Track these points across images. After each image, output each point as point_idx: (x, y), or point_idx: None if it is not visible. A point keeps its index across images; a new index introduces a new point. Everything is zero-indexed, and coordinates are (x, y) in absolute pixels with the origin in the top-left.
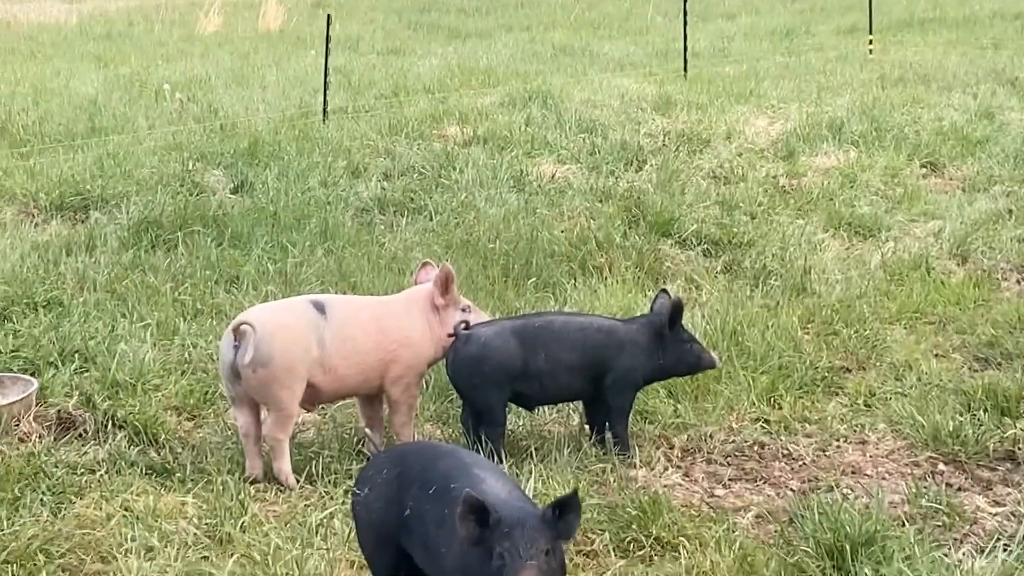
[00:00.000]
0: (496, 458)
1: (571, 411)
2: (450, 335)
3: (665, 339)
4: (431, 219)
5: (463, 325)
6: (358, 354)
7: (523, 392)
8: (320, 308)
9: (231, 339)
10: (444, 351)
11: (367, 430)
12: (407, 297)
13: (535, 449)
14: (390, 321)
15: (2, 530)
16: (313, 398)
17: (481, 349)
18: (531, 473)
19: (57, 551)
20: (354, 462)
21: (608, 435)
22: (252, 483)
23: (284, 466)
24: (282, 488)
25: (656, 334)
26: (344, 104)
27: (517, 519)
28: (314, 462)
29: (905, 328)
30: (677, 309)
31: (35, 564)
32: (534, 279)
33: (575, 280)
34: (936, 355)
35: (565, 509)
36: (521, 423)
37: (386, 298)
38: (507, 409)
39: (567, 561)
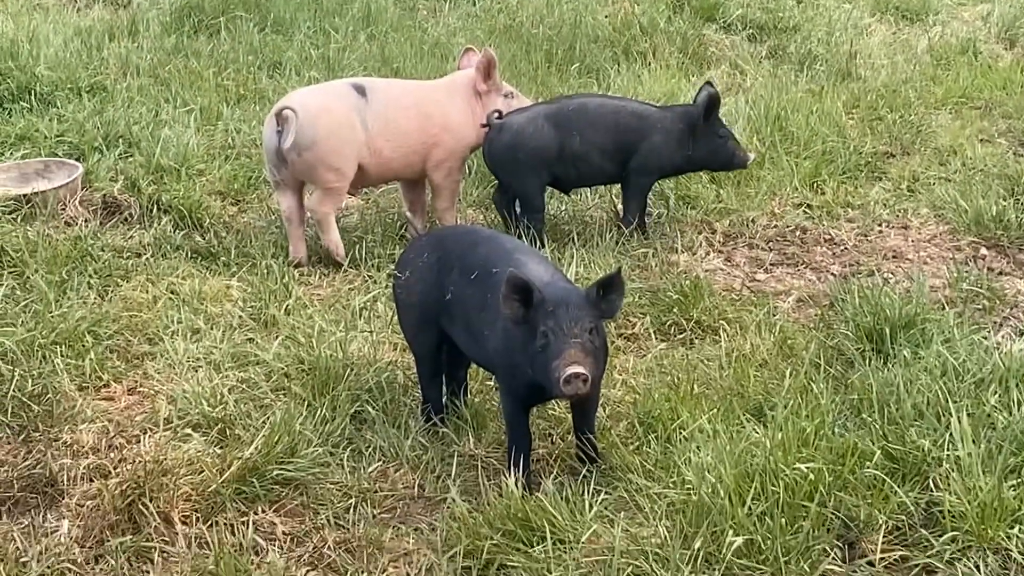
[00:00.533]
0: (538, 243)
1: (613, 196)
2: (483, 125)
3: (698, 131)
4: (474, 4)
5: (496, 114)
6: (400, 136)
7: (559, 175)
8: (361, 91)
9: (274, 124)
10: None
11: (408, 214)
12: (449, 82)
13: (577, 234)
14: (432, 106)
15: (51, 312)
16: (358, 181)
17: (515, 137)
18: (573, 257)
19: (105, 332)
20: (397, 247)
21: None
22: (296, 267)
23: (333, 236)
24: (326, 271)
25: (690, 125)
26: None
27: (561, 298)
28: (357, 246)
29: (950, 113)
30: (713, 101)
31: (83, 345)
32: (577, 64)
33: (619, 65)
34: (981, 140)
35: (608, 288)
36: (564, 208)
37: (429, 83)
38: (546, 193)
39: (608, 344)
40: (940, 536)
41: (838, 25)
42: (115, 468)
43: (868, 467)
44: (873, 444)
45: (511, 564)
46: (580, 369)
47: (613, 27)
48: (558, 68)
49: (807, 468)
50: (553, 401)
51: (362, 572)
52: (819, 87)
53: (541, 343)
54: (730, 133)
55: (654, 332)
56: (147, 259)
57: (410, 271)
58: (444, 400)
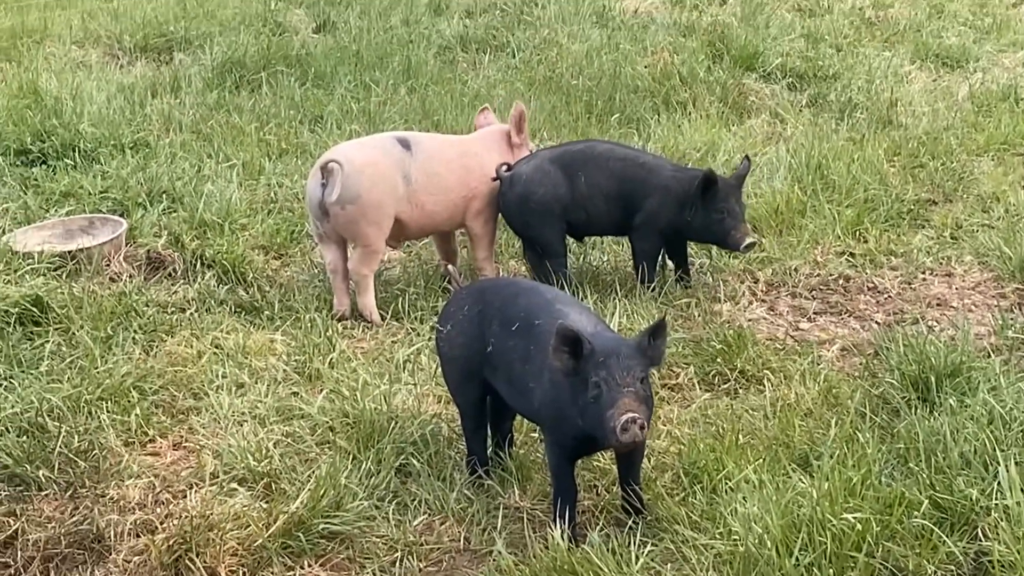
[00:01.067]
0: (567, 290)
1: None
2: (493, 178)
3: (704, 200)
4: (513, 56)
5: (504, 167)
6: (443, 189)
7: (572, 220)
8: (405, 144)
9: (319, 177)
10: None
11: (449, 267)
12: (484, 135)
13: (619, 284)
14: (471, 159)
15: (97, 368)
16: (399, 234)
17: (525, 186)
18: (615, 308)
19: (150, 387)
20: (439, 299)
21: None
22: (339, 320)
23: (369, 301)
24: (369, 324)
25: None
26: None
27: (611, 348)
28: (400, 299)
29: (992, 160)
30: (707, 182)
31: (129, 400)
32: (617, 115)
33: (659, 116)
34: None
35: (656, 336)
36: (606, 259)
37: (465, 136)
38: (566, 239)
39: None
40: None
41: (878, 73)
42: (162, 523)
43: (916, 517)
44: (920, 493)
45: None
46: (636, 415)
47: (653, 77)
48: (598, 119)
49: (854, 518)
50: (599, 452)
51: None
52: (860, 135)
53: (593, 394)
54: (733, 211)
55: (698, 382)
56: (191, 314)
57: (452, 324)
58: (489, 452)
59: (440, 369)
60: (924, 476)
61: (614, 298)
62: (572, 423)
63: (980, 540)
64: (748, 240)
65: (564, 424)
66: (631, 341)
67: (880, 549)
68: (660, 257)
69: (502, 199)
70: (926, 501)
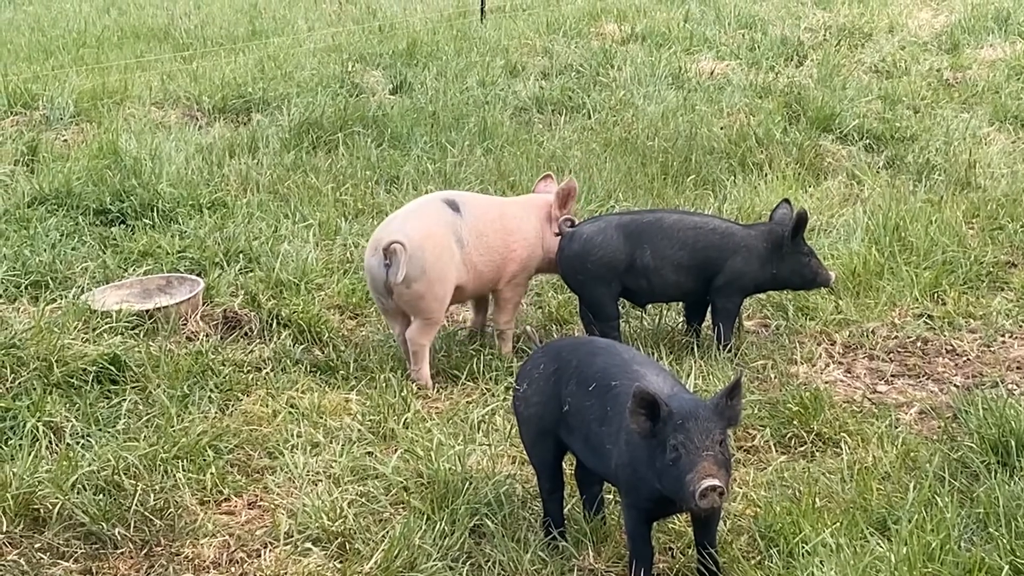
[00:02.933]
0: None
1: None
2: (556, 233)
3: (784, 249)
4: (589, 117)
5: (568, 223)
6: (490, 251)
7: (630, 287)
8: (455, 206)
9: (380, 256)
10: (550, 262)
11: (527, 327)
12: (526, 201)
13: (696, 345)
14: (512, 221)
15: (173, 426)
16: (457, 298)
17: (583, 245)
18: (691, 369)
19: (225, 447)
20: (514, 359)
21: (715, 332)
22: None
23: (424, 370)
24: (444, 385)
25: (775, 243)
26: (501, 3)
27: (689, 411)
28: (475, 359)
29: None
30: (801, 220)
31: (204, 459)
32: (693, 176)
33: (735, 177)
34: None
35: (733, 396)
36: (680, 319)
37: (507, 199)
38: (619, 303)
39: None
40: None
41: (956, 134)
42: None
43: None
44: (1001, 559)
45: None
46: (716, 482)
47: (729, 139)
48: (674, 180)
49: None
50: (675, 514)
51: None
52: (938, 197)
53: (672, 457)
54: (812, 251)
55: (774, 444)
56: (267, 373)
57: (528, 383)
58: (586, 511)
59: (517, 429)
60: (1004, 541)
61: (690, 359)
62: (649, 485)
63: None
64: (833, 275)
65: (641, 486)
66: (708, 403)
67: None
68: (737, 319)
69: (560, 255)
70: (1007, 567)
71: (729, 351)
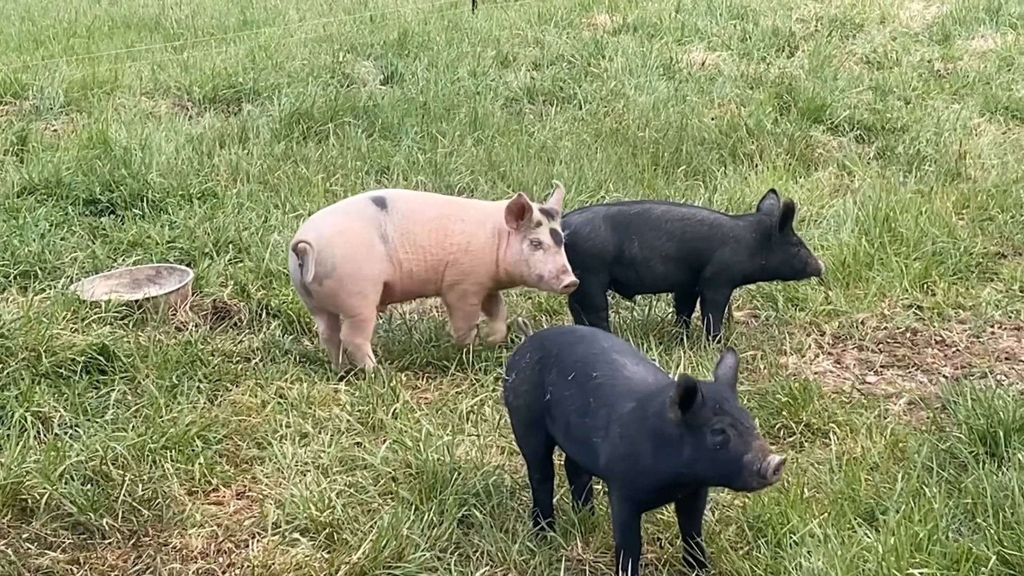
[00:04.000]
0: None
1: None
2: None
3: (772, 240)
4: (580, 108)
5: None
6: (419, 250)
7: (619, 279)
8: (381, 203)
9: (295, 258)
10: (508, 274)
11: (518, 318)
12: (487, 208)
13: (685, 336)
14: (455, 224)
15: (161, 416)
16: (387, 297)
17: (572, 236)
18: (680, 361)
19: (214, 437)
20: (504, 349)
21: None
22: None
23: (367, 364)
24: (433, 376)
25: (764, 234)
26: None
27: (720, 393)
28: (464, 350)
29: None
30: (788, 211)
31: (193, 449)
32: (684, 167)
33: (725, 168)
34: None
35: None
36: (670, 310)
37: (464, 202)
38: (607, 293)
39: None
40: None
41: (947, 125)
42: (224, 573)
43: (983, 573)
44: (988, 549)
45: None
46: (783, 456)
47: (719, 129)
48: (664, 171)
49: (920, 574)
50: (665, 505)
51: None
52: (928, 187)
53: (719, 440)
54: (801, 241)
55: (763, 435)
56: (256, 363)
57: (516, 373)
58: (575, 502)
59: (508, 420)
60: (992, 532)
61: (679, 350)
62: (651, 476)
63: None
64: (821, 262)
65: (640, 477)
66: (726, 383)
67: None
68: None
69: None
70: (994, 557)
71: (719, 342)
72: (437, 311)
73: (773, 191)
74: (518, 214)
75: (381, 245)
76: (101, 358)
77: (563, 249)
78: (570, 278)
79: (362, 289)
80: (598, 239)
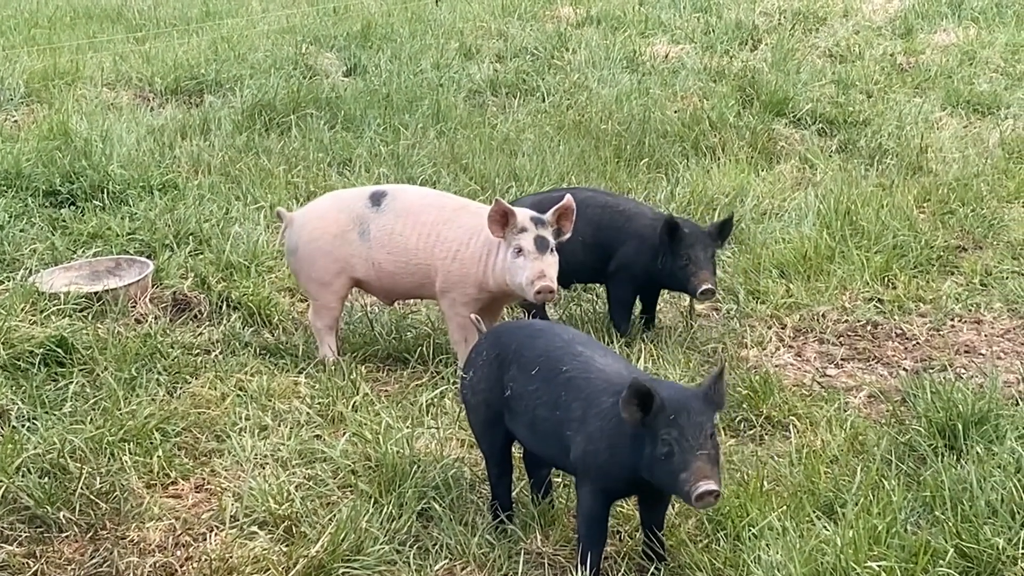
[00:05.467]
0: None
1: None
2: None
3: (671, 245)
4: (543, 100)
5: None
6: (402, 252)
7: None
8: (376, 199)
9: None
10: (497, 285)
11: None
12: (476, 211)
13: (646, 329)
14: (453, 231)
15: (120, 409)
16: (375, 293)
17: None
18: (641, 353)
19: (173, 429)
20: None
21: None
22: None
23: (325, 354)
24: (393, 368)
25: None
26: None
27: (681, 403)
28: (425, 343)
29: (1023, 206)
30: (670, 226)
31: (151, 442)
32: (646, 160)
33: (688, 160)
34: None
35: (718, 382)
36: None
37: (473, 209)
38: None
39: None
40: None
41: (909, 119)
42: (181, 566)
43: (941, 566)
44: (946, 542)
45: None
46: (712, 486)
47: (682, 122)
48: (627, 163)
49: (879, 566)
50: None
51: None
52: (890, 181)
53: (663, 451)
54: (697, 259)
55: (723, 428)
56: (216, 356)
57: (473, 371)
58: (534, 495)
59: (465, 415)
60: (950, 524)
61: (639, 343)
62: (625, 469)
63: None
64: (704, 287)
65: (614, 469)
66: (698, 392)
67: None
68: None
69: None
70: (952, 550)
71: (679, 335)
72: (399, 304)
73: (731, 215)
74: (500, 221)
75: (357, 241)
76: (59, 350)
77: (550, 257)
78: (543, 283)
79: (319, 276)
80: None
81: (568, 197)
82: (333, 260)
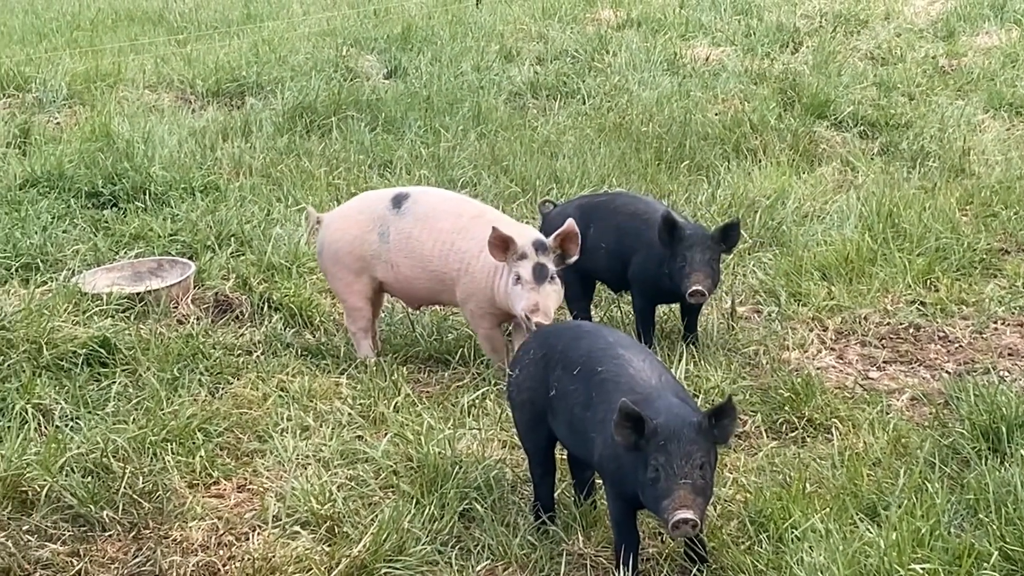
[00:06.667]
0: None
1: (723, 293)
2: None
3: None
4: (584, 103)
5: (547, 205)
6: (418, 257)
7: (587, 268)
8: (398, 202)
9: None
10: (507, 304)
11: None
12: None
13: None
14: (468, 242)
15: (162, 409)
16: (399, 295)
17: (545, 226)
18: (682, 356)
19: (215, 430)
20: (508, 344)
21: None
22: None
23: (365, 355)
24: (435, 369)
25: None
26: None
27: (673, 431)
28: (466, 344)
29: None
30: (666, 221)
31: (194, 442)
32: (687, 162)
33: (729, 163)
34: None
35: (720, 416)
36: (674, 307)
37: (493, 220)
38: (584, 285)
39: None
40: None
41: (951, 122)
42: (224, 566)
43: (985, 569)
44: (990, 545)
45: None
46: (689, 515)
47: (723, 125)
48: (668, 166)
49: (922, 569)
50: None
51: None
52: (932, 183)
53: (651, 476)
54: (692, 260)
55: (765, 430)
56: (257, 357)
57: (519, 369)
58: (577, 496)
59: (510, 414)
60: (994, 527)
61: (680, 345)
62: (630, 483)
63: None
64: (694, 287)
65: (625, 480)
66: (695, 421)
67: None
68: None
69: None
70: (996, 553)
71: (721, 337)
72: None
73: (738, 219)
74: (500, 247)
75: (376, 242)
76: (102, 350)
77: (548, 287)
78: (538, 318)
79: (343, 276)
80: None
81: (570, 221)
82: (354, 260)
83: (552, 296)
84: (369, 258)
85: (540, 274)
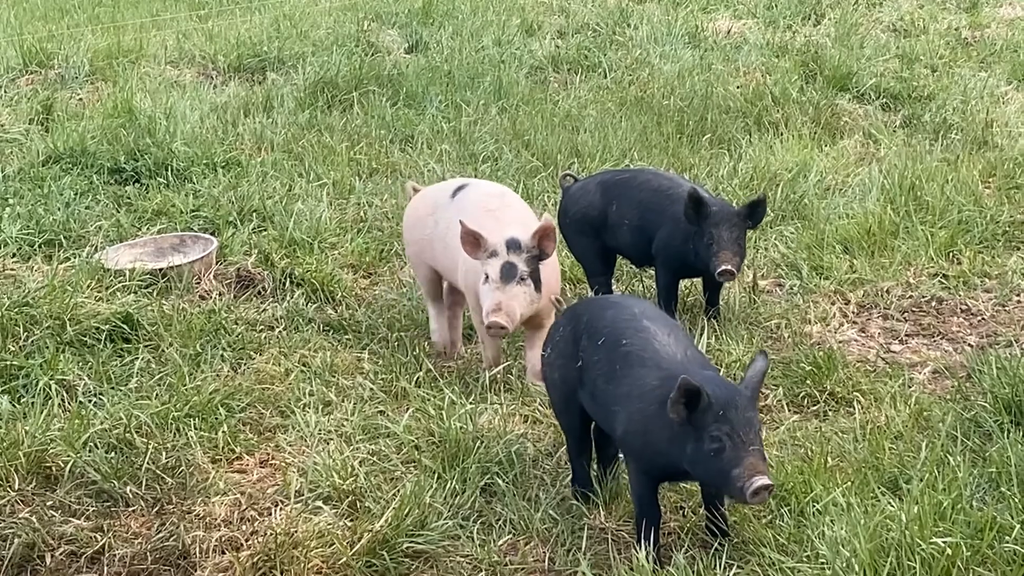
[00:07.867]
0: None
1: (744, 267)
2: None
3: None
4: (605, 76)
5: (568, 179)
6: (448, 248)
7: (608, 244)
8: (455, 192)
9: None
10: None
11: (553, 296)
12: (517, 222)
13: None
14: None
15: (185, 385)
16: (446, 278)
17: (565, 202)
18: (704, 329)
19: (237, 405)
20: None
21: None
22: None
23: (432, 329)
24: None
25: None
26: None
27: (728, 400)
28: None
29: None
30: (692, 198)
31: (216, 417)
32: (709, 135)
33: (750, 136)
34: None
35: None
36: (696, 281)
37: (495, 213)
38: (605, 260)
39: None
40: None
41: (974, 93)
42: (247, 540)
43: (1007, 542)
44: (1013, 518)
45: None
46: (767, 480)
47: (745, 98)
48: (689, 139)
49: (944, 543)
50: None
51: None
52: (955, 156)
53: (713, 447)
54: (721, 239)
55: (787, 404)
56: (280, 332)
57: (551, 347)
58: (601, 471)
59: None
60: (1016, 500)
61: (702, 319)
62: (662, 457)
63: None
64: (723, 267)
65: (652, 455)
66: (745, 389)
67: (971, 574)
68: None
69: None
70: (1018, 526)
71: (743, 311)
72: None
73: (765, 195)
74: (471, 243)
75: (432, 227)
76: (125, 326)
77: (515, 287)
78: (492, 319)
79: (410, 256)
80: (587, 203)
81: (546, 217)
82: (414, 242)
83: (519, 297)
84: (423, 242)
85: (507, 273)
